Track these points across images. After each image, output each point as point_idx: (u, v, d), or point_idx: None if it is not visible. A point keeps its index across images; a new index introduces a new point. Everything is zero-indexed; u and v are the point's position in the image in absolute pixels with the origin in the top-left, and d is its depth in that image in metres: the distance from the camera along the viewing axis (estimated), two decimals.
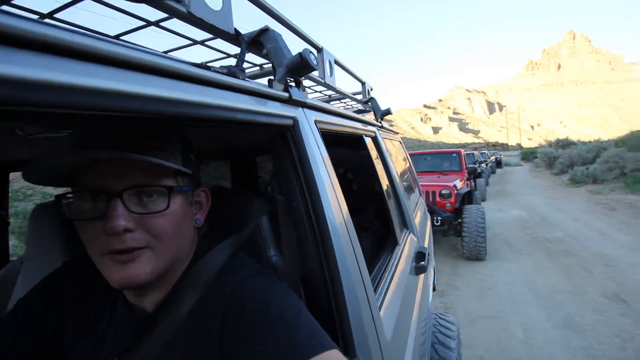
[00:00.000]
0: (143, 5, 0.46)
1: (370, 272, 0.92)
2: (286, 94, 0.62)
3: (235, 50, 0.82)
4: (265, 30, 0.64)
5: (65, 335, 0.53)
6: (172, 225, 0.45)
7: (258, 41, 0.64)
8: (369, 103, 1.55)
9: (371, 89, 1.68)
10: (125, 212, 0.41)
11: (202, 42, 0.69)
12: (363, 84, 1.55)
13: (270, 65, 0.68)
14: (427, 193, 4.70)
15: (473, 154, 11.90)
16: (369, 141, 1.28)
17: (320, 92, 1.32)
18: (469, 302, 3.30)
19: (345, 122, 0.98)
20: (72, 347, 0.52)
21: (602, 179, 10.33)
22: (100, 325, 0.52)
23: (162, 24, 0.60)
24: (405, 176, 2.09)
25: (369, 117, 1.58)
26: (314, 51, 1.04)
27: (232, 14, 0.58)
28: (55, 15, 0.54)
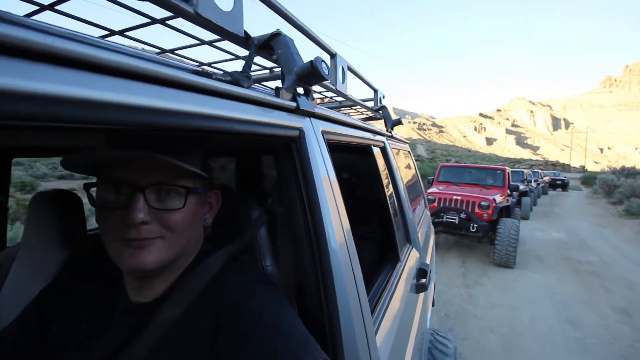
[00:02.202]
0: (149, 3, 0.43)
1: (369, 288, 0.89)
2: (293, 104, 0.59)
3: (245, 52, 0.79)
4: (276, 35, 0.60)
5: (63, 329, 0.54)
6: (185, 221, 0.49)
7: (269, 45, 0.61)
8: (380, 111, 1.50)
9: (383, 97, 1.64)
10: (146, 206, 0.45)
11: (210, 43, 0.66)
12: (376, 91, 1.51)
13: (280, 69, 0.65)
14: (467, 202, 5.24)
15: (523, 172, 11.32)
16: (377, 151, 1.25)
17: (330, 98, 1.28)
18: (491, 295, 3.89)
19: (353, 132, 0.94)
20: (70, 340, 0.53)
21: None
22: (98, 319, 0.53)
23: (169, 22, 0.57)
24: (412, 187, 2.05)
25: (381, 124, 1.54)
26: (327, 58, 1.01)
27: (243, 16, 0.56)
28: (57, 7, 0.51)
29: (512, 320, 3.28)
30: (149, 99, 0.33)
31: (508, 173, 6.45)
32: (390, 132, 1.54)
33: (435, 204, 5.53)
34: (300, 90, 0.67)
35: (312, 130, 0.64)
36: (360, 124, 1.05)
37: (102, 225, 0.47)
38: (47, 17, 0.51)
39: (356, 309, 0.62)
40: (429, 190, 5.83)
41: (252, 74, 1.00)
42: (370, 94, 1.56)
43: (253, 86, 0.54)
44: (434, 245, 2.23)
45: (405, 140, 2.07)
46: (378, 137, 1.30)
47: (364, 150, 1.14)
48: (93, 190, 0.49)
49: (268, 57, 0.63)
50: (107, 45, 0.30)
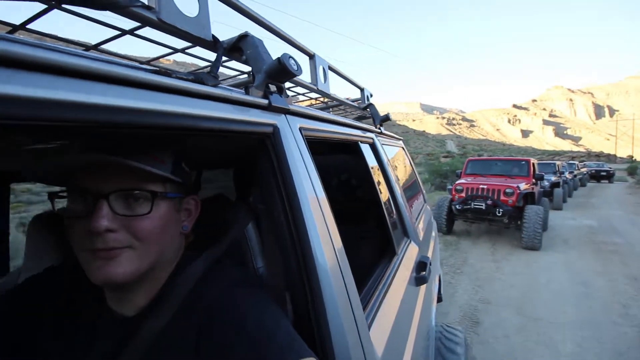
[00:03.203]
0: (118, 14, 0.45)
1: (364, 285, 0.88)
2: (265, 101, 0.60)
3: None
4: (244, 37, 0.62)
5: (43, 339, 0.53)
6: (155, 228, 0.47)
7: (238, 47, 0.62)
8: (368, 109, 1.52)
9: (371, 95, 1.65)
10: (110, 213, 0.43)
11: (182, 50, 0.67)
12: (362, 90, 1.53)
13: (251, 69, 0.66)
14: (493, 190, 5.75)
15: (555, 163, 11.58)
16: (365, 148, 1.25)
17: (316, 99, 1.30)
18: (515, 267, 4.59)
19: (337, 129, 0.95)
20: (51, 352, 0.52)
21: None
22: (80, 330, 0.52)
23: (138, 32, 0.59)
24: (408, 183, 2.04)
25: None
26: (306, 59, 1.02)
27: (210, 21, 0.57)
28: (29, 26, 0.53)
29: (531, 282, 4.01)
30: (105, 98, 0.34)
31: (533, 163, 6.82)
32: (380, 129, 1.55)
33: (463, 194, 6.02)
34: (274, 88, 0.68)
35: (287, 127, 0.65)
36: (343, 120, 1.05)
37: (71, 236, 0.45)
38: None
39: (345, 305, 0.61)
40: (458, 182, 6.39)
41: (232, 78, 1.01)
42: (358, 92, 1.58)
43: (224, 87, 0.56)
44: (437, 238, 2.21)
45: (398, 137, 2.08)
46: (366, 134, 1.31)
47: (351, 147, 1.15)
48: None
49: (238, 59, 0.65)
50: (67, 50, 0.31)
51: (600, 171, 21.10)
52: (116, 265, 0.44)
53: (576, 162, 19.17)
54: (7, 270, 1.28)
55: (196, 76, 0.47)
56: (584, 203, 11.05)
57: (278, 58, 0.59)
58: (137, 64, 0.42)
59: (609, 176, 20.67)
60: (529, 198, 6.11)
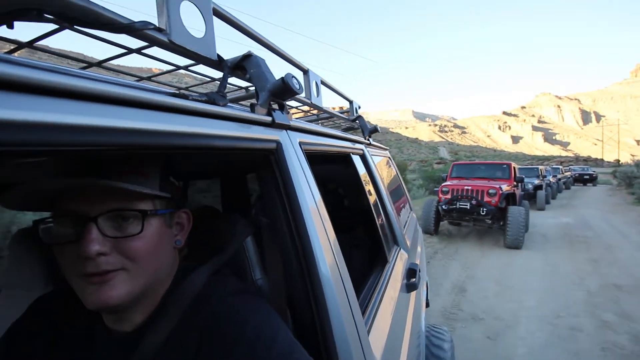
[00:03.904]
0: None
1: (359, 292, 0.91)
2: (269, 118, 0.63)
3: (219, 74, 0.83)
4: (248, 56, 0.65)
5: None
6: (147, 247, 0.46)
7: (241, 66, 0.65)
8: (357, 121, 1.57)
9: (359, 107, 1.71)
10: (100, 237, 0.42)
11: (186, 68, 0.69)
12: (351, 102, 1.58)
13: (254, 87, 0.69)
14: (477, 191, 6.13)
15: (537, 168, 12.30)
16: (356, 159, 1.29)
17: (307, 112, 1.34)
18: (500, 256, 5.40)
19: (331, 142, 0.99)
20: None
21: None
22: (79, 351, 0.51)
23: (145, 50, 0.61)
24: (395, 192, 2.10)
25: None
26: (300, 74, 1.06)
27: (215, 41, 0.60)
28: (38, 44, 0.54)
29: (509, 264, 4.96)
30: (132, 122, 0.36)
31: (514, 167, 7.40)
32: (369, 140, 1.60)
33: (449, 195, 6.38)
34: (275, 105, 0.71)
35: (289, 142, 0.68)
36: (337, 133, 1.09)
37: (62, 263, 0.44)
38: (30, 56, 0.53)
39: (346, 311, 0.64)
40: (443, 184, 6.77)
41: (228, 94, 1.04)
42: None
43: (229, 104, 0.58)
44: (423, 245, 2.28)
45: (384, 147, 2.15)
46: (357, 145, 1.35)
47: (344, 159, 1.19)
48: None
49: (242, 77, 0.67)
50: (92, 76, 0.33)
51: (584, 175, 22.42)
52: (110, 288, 0.43)
53: (560, 167, 19.98)
54: None
55: (209, 97, 0.49)
56: (565, 204, 11.85)
57: (282, 78, 0.62)
58: (157, 87, 0.43)
59: (592, 179, 21.97)
60: (510, 199, 6.53)
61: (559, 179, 16.25)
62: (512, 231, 5.57)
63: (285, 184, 0.62)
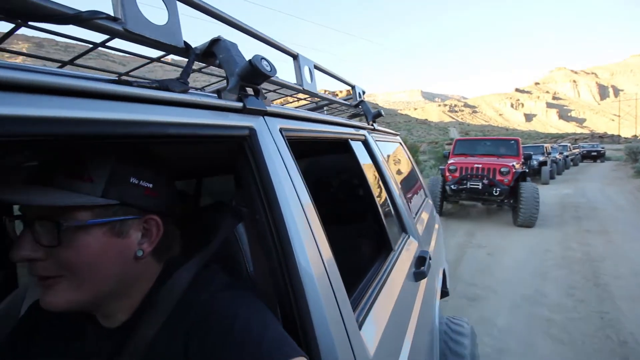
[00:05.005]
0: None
1: (358, 284, 0.88)
2: (239, 104, 0.60)
3: (201, 65, 0.82)
4: (216, 41, 0.62)
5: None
6: (82, 259, 0.42)
7: (211, 52, 0.63)
8: (360, 107, 1.51)
9: (363, 92, 1.64)
10: (31, 242, 0.41)
11: (158, 59, 0.68)
12: (353, 87, 1.52)
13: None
14: (488, 169, 5.83)
15: (542, 146, 12.84)
16: (357, 145, 1.24)
17: (304, 99, 1.30)
18: (501, 216, 6.41)
19: (323, 128, 0.95)
20: None
21: None
22: (74, 345, 0.52)
23: (109, 43, 0.60)
24: (408, 178, 2.02)
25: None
26: (290, 60, 1.02)
27: (181, 27, 0.57)
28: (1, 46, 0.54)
29: (509, 221, 5.95)
30: (67, 111, 0.34)
31: (520, 143, 7.03)
32: (373, 125, 1.54)
33: (457, 173, 5.98)
34: (250, 91, 0.68)
35: (265, 128, 0.65)
36: (329, 118, 1.05)
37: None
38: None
39: (331, 305, 0.60)
40: (449, 162, 6.34)
41: (216, 84, 1.01)
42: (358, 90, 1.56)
43: (195, 92, 0.56)
44: (441, 232, 2.19)
45: (394, 132, 2.06)
46: (358, 131, 1.30)
47: (341, 146, 1.14)
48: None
49: (213, 63, 0.65)
50: (19, 66, 0.32)
51: (592, 151, 23.46)
52: (53, 294, 0.42)
53: (569, 144, 21.18)
54: (16, 286, 1.30)
55: (161, 83, 0.47)
56: (570, 179, 12.62)
57: (249, 60, 0.59)
58: (97, 75, 0.42)
59: (600, 155, 22.96)
60: (520, 177, 6.19)
61: (566, 156, 16.97)
62: (526, 209, 5.27)
63: (260, 171, 0.60)
